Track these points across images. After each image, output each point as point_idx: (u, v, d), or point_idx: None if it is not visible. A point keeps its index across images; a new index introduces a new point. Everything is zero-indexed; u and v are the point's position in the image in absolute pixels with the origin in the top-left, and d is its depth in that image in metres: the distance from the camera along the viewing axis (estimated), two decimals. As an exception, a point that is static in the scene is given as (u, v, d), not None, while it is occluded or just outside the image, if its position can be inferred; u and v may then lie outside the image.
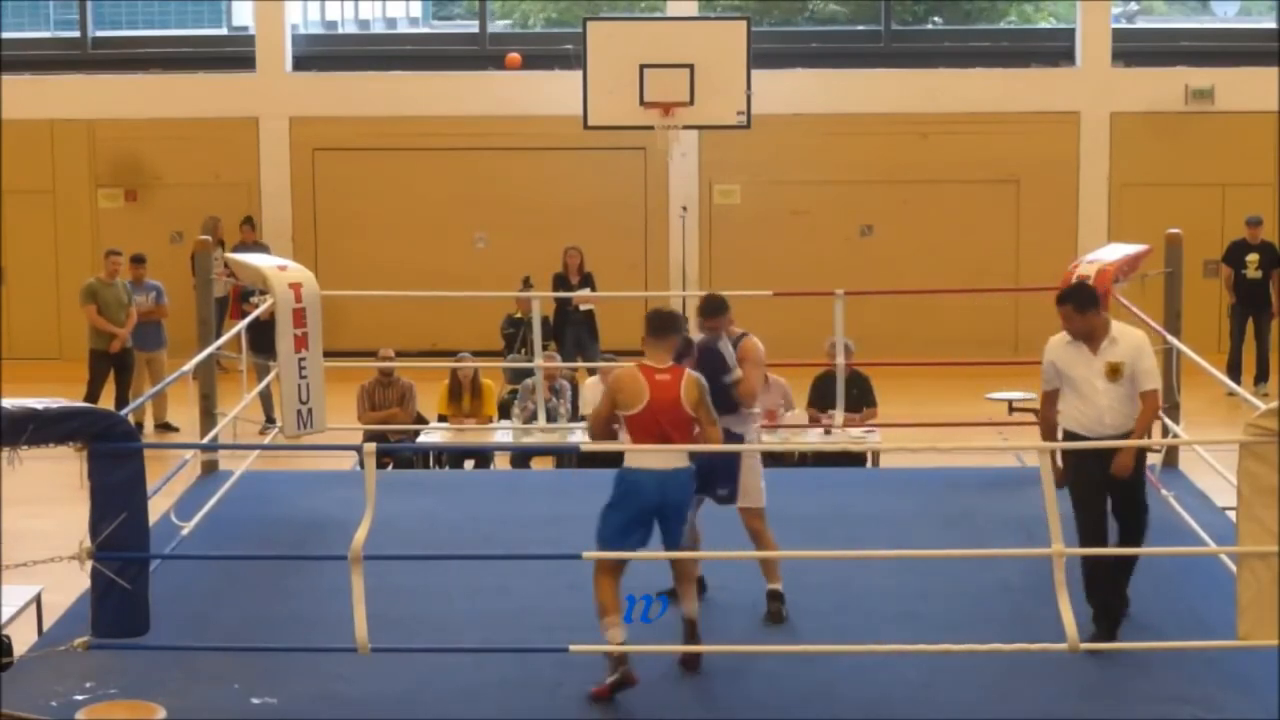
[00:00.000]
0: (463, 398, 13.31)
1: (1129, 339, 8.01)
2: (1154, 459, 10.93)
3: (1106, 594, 7.92)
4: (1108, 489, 7.92)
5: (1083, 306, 7.97)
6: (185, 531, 9.50)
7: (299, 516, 10.17)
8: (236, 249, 16.45)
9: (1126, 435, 7.89)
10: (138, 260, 15.72)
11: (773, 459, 12.17)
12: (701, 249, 18.85)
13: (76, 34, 19.68)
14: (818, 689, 7.41)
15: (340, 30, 22.74)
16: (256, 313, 11.71)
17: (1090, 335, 7.98)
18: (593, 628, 7.64)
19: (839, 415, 11.75)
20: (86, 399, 13.88)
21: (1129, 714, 7.23)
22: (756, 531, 8.31)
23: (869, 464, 12.38)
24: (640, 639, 7.74)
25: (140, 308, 15.40)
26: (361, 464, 7.33)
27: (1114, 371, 7.90)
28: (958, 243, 18.53)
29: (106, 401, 14.20)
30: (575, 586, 8.08)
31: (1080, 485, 7.91)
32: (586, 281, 16.33)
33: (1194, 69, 18.73)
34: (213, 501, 10.09)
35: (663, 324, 7.59)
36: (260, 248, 16.79)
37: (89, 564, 7.02)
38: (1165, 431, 10.91)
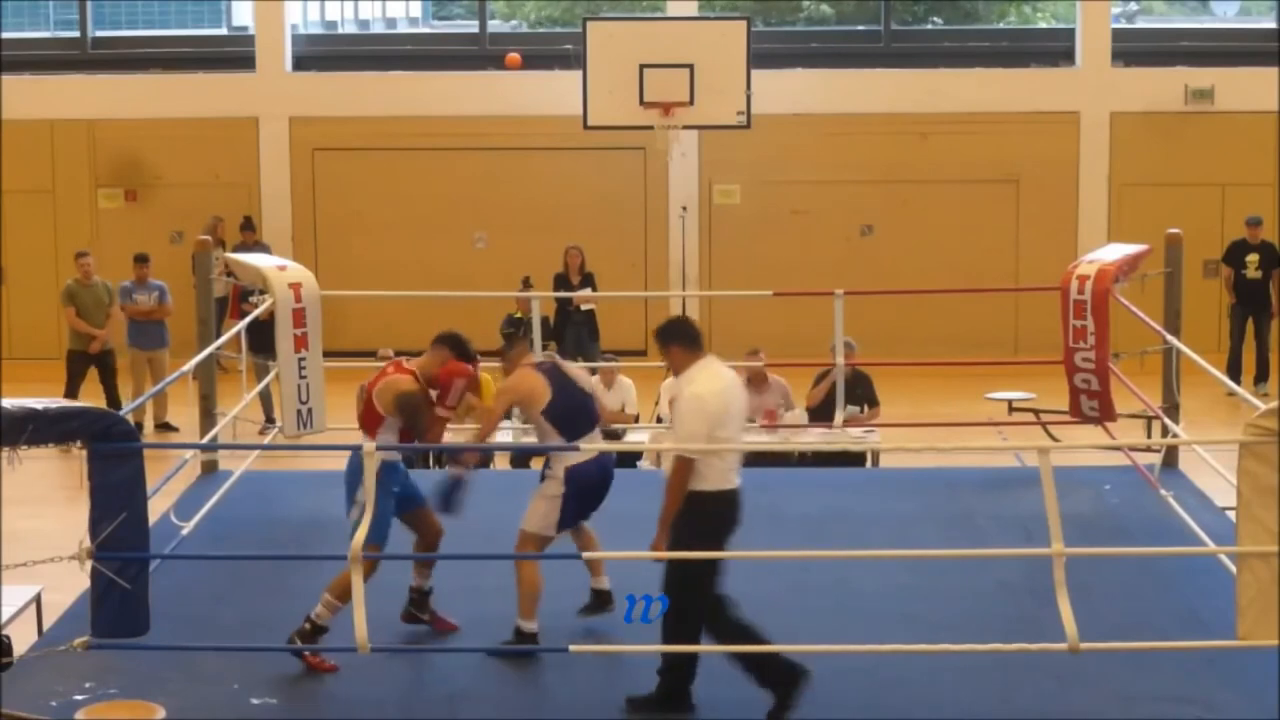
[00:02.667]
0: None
1: (680, 387, 7.26)
2: (1153, 459, 10.93)
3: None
4: None
5: (663, 341, 7.39)
6: (185, 531, 9.51)
7: (299, 516, 10.16)
8: (237, 249, 16.44)
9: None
10: (141, 260, 15.71)
11: (773, 459, 12.21)
12: (701, 249, 18.84)
13: (76, 34, 19.67)
14: (818, 689, 7.39)
15: (340, 30, 22.73)
16: (256, 313, 11.68)
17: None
18: (594, 628, 7.65)
19: (839, 415, 11.75)
20: (64, 398, 13.87)
21: (1129, 714, 7.23)
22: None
23: (869, 464, 12.37)
24: (640, 639, 7.75)
25: (143, 307, 15.41)
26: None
27: (658, 418, 7.23)
28: (957, 243, 18.52)
29: (85, 400, 14.20)
30: (575, 587, 8.10)
31: None
32: (587, 281, 16.33)
33: (1194, 69, 18.72)
34: (213, 501, 10.10)
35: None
36: (261, 248, 16.78)
37: (89, 564, 7.02)
38: (1165, 431, 10.91)
